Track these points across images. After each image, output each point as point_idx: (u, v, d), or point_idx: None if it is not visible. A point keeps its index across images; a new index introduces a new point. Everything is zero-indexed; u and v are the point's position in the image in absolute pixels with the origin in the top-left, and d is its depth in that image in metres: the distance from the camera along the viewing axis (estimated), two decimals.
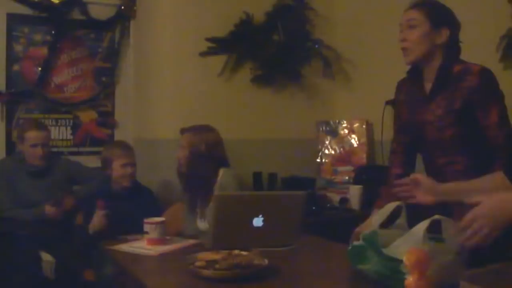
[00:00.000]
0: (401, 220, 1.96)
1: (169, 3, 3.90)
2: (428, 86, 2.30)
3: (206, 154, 2.94)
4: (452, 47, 2.26)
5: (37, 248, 3.23)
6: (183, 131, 3.09)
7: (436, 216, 1.67)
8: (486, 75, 2.17)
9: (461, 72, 2.19)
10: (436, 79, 2.25)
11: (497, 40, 3.06)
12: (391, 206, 1.95)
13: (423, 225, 1.64)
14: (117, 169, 3.29)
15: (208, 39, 3.87)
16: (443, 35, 2.23)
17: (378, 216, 1.98)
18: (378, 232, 1.83)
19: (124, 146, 3.48)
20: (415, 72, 2.35)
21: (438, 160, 2.30)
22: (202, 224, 2.91)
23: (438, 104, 2.24)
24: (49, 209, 3.31)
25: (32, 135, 3.44)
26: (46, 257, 3.20)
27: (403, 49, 2.27)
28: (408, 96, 2.41)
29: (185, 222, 3.04)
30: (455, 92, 2.19)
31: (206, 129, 3.05)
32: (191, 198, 2.99)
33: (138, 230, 2.52)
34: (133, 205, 3.16)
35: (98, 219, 2.98)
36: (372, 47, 4.03)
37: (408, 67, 2.37)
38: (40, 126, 3.56)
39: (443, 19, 2.24)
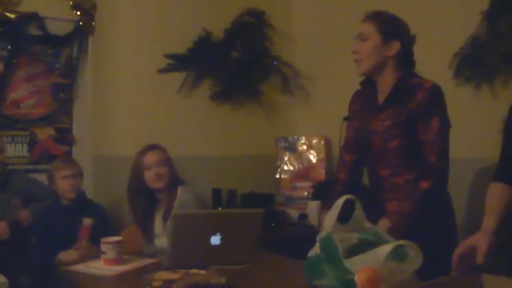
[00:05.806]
0: (358, 212, 1.95)
1: (127, 20, 3.89)
2: (381, 97, 2.35)
3: None
4: (404, 59, 2.32)
5: None
6: None
7: (401, 241, 1.70)
8: (434, 91, 2.24)
9: (414, 86, 2.25)
10: (390, 91, 2.30)
11: (450, 57, 3.12)
12: (340, 202, 1.90)
13: (387, 247, 1.66)
14: (59, 182, 3.25)
15: (166, 56, 3.87)
16: (394, 47, 2.28)
17: (328, 216, 1.92)
18: (331, 233, 1.82)
19: (65, 159, 3.46)
20: (369, 84, 2.41)
21: (381, 172, 2.35)
22: (160, 243, 2.89)
23: (388, 116, 2.29)
24: None
25: None
26: None
27: (355, 60, 2.33)
28: (361, 106, 2.48)
29: (144, 240, 3.01)
30: (404, 105, 2.25)
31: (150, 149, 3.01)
32: (147, 219, 2.95)
33: None
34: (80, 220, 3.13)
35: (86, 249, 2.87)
36: (331, 63, 4.08)
37: (361, 79, 2.43)
38: None
39: (394, 32, 2.30)
